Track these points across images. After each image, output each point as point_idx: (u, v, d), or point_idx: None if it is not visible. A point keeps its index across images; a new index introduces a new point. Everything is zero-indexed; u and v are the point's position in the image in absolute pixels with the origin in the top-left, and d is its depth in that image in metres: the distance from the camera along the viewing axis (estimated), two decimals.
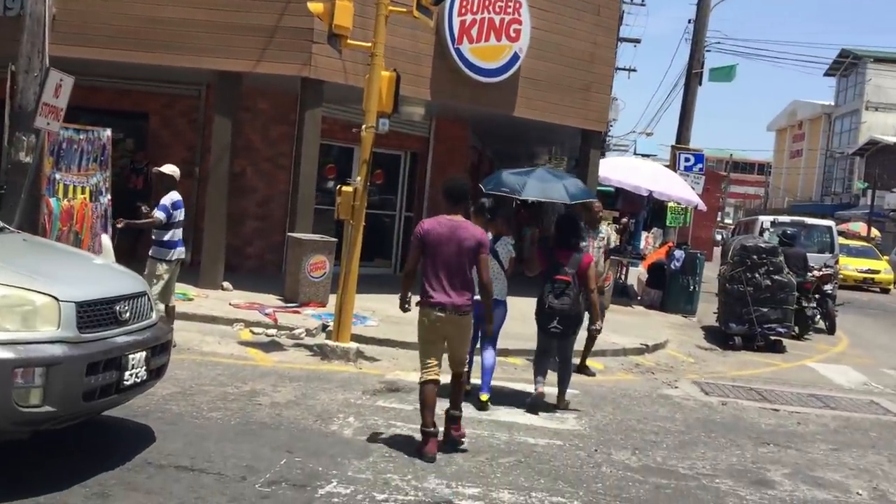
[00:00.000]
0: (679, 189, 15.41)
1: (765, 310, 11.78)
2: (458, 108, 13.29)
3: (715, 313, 13.10)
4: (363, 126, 8.19)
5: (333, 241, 10.44)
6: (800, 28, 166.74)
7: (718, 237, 52.87)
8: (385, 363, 8.18)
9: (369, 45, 8.15)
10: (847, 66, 61.44)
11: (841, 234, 23.85)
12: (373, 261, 14.92)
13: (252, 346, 8.35)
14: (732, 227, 29.09)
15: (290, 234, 10.72)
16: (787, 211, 68.16)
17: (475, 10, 11.84)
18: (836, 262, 17.38)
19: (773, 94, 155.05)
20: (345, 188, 8.13)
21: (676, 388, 8.46)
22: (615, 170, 15.23)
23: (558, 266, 6.50)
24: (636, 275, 17.26)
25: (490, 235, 6.32)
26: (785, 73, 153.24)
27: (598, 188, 14.88)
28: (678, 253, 15.48)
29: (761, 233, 17.38)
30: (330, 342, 8.03)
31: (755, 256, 11.93)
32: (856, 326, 15.29)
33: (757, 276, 11.87)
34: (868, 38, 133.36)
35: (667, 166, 19.18)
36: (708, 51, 20.31)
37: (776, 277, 11.85)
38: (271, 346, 8.42)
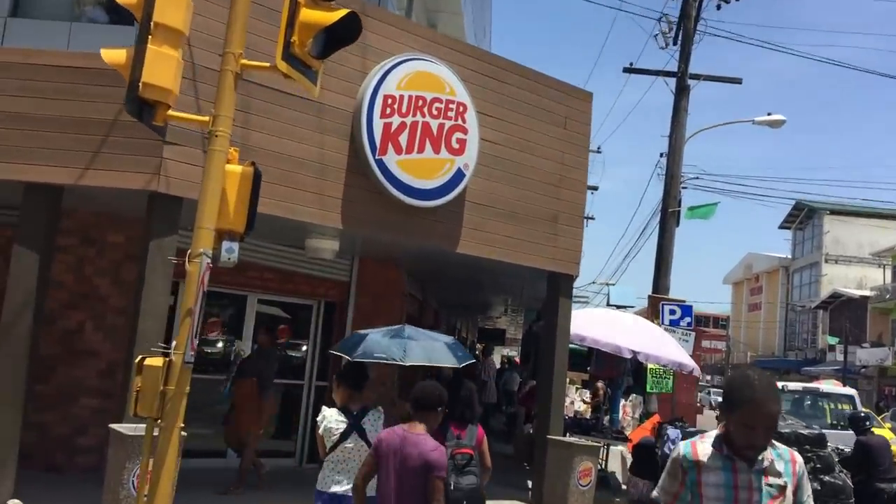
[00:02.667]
0: (670, 350, 12.13)
1: None
2: (387, 244, 10.03)
3: None
4: (188, 252, 4.78)
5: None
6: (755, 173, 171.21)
7: (707, 398, 49.02)
8: None
9: (206, 118, 4.88)
10: (802, 218, 61.03)
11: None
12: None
13: None
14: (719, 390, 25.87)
15: (113, 425, 6.97)
16: (752, 366, 65.69)
17: (405, 111, 8.82)
18: None
19: (724, 246, 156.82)
20: (149, 362, 4.60)
21: None
22: (590, 325, 11.94)
23: (456, 439, 5.48)
24: (618, 457, 13.65)
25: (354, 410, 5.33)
26: (736, 225, 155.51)
27: (570, 346, 11.53)
28: (673, 432, 11.97)
29: None
30: None
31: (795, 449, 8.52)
32: None
33: None
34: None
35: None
36: (684, 187, 17.72)
37: (826, 479, 8.41)
38: None
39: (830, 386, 15.14)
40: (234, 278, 10.19)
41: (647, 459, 12.47)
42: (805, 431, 8.57)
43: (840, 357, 46.73)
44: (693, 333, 14.08)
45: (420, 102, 8.90)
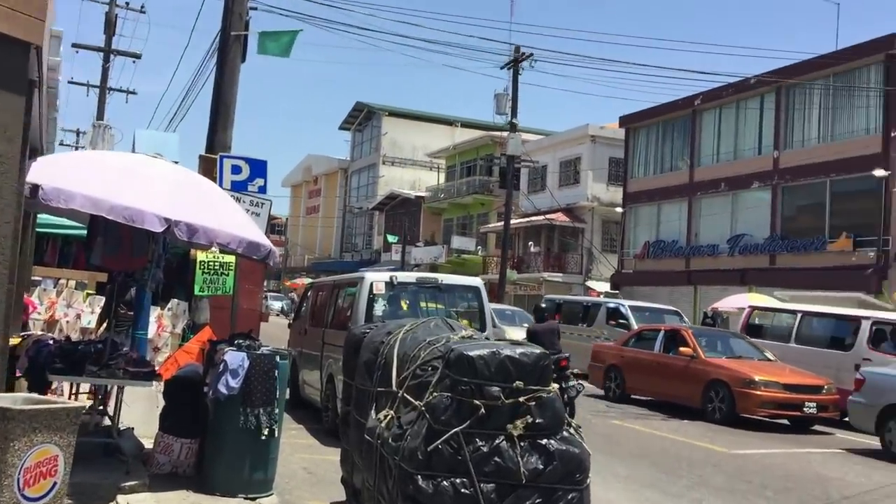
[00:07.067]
0: (234, 220, 7.03)
1: None
2: None
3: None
4: None
5: None
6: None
7: (276, 305, 44.23)
8: None
9: None
10: (362, 119, 60.21)
11: None
12: None
13: None
14: (300, 294, 20.90)
15: None
16: (309, 269, 64.28)
17: None
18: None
19: (283, 149, 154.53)
20: None
21: None
22: (83, 174, 6.21)
23: None
24: (144, 402, 8.28)
25: None
26: (297, 128, 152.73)
27: (43, 229, 5.73)
28: (234, 358, 7.00)
29: (371, 305, 9.76)
30: None
31: (495, 391, 4.10)
32: None
33: (503, 444, 4.07)
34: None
35: None
36: (254, 7, 12.46)
37: (553, 446, 4.18)
38: None
39: (450, 277, 11.53)
40: None
41: (188, 403, 7.39)
42: (515, 353, 4.16)
43: (395, 257, 46.71)
44: (268, 202, 9.13)
45: None
